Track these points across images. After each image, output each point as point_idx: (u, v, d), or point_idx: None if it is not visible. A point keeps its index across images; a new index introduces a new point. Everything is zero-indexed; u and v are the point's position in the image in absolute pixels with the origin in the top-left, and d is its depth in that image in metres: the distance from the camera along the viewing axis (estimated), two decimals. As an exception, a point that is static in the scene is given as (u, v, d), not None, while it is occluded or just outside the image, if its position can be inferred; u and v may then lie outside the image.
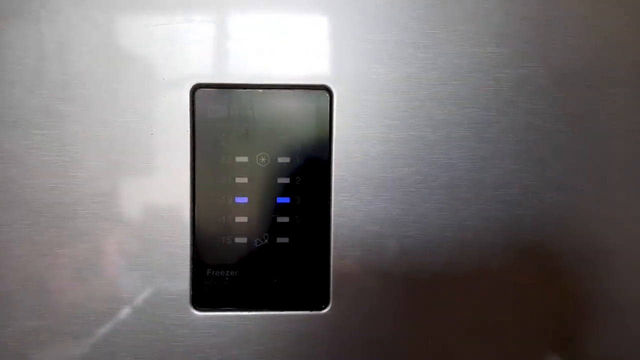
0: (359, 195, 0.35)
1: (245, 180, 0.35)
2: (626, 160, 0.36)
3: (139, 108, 0.34)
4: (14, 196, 0.33)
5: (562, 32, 0.35)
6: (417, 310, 0.36)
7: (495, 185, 0.36)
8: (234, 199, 0.35)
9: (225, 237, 0.35)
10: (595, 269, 0.36)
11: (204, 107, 0.34)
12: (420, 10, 0.35)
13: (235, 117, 0.34)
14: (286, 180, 0.35)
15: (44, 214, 0.34)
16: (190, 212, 0.34)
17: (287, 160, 0.35)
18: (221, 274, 0.35)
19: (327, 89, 0.35)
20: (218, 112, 0.34)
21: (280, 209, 0.35)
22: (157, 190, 0.34)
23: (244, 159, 0.35)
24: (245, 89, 0.34)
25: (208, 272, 0.35)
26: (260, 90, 0.34)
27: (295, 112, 0.35)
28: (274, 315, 0.35)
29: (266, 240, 0.35)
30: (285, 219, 0.35)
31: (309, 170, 0.35)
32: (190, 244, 0.34)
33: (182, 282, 0.35)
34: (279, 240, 0.35)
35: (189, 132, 0.34)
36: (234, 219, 0.35)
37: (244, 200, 0.35)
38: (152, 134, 0.34)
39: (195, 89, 0.34)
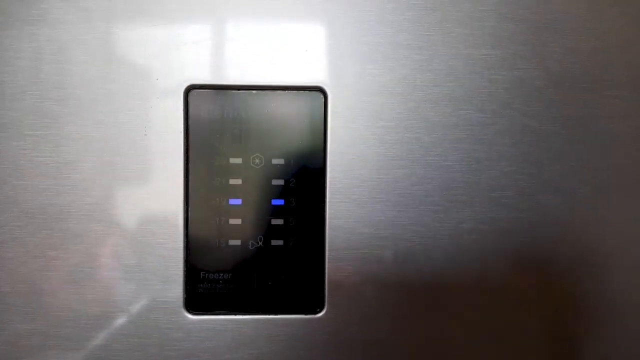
0: (354, 198, 0.35)
1: (239, 181, 0.35)
2: (623, 162, 0.36)
3: (133, 109, 0.33)
4: (6, 197, 0.33)
5: (558, 34, 0.35)
6: (414, 314, 0.35)
7: (491, 187, 0.35)
8: (227, 201, 0.35)
9: (219, 240, 0.35)
10: (593, 271, 0.36)
11: (197, 108, 0.34)
12: (415, 12, 0.35)
13: (230, 118, 0.34)
14: (281, 182, 0.35)
15: (36, 215, 0.33)
16: (184, 214, 0.34)
17: (281, 161, 0.35)
18: (215, 277, 0.35)
19: (321, 91, 0.34)
20: (212, 113, 0.34)
21: (274, 211, 0.35)
22: (150, 192, 0.34)
23: (238, 161, 0.35)
24: (239, 90, 0.34)
25: (202, 275, 0.35)
26: (254, 92, 0.34)
27: (290, 113, 0.35)
28: (268, 319, 0.35)
29: (260, 243, 0.35)
30: (280, 221, 0.35)
31: (303, 172, 0.35)
32: (184, 247, 0.34)
33: (175, 286, 0.34)
34: (274, 242, 0.35)
35: (182, 133, 0.34)
36: (228, 221, 0.35)
37: (238, 202, 0.35)
38: (145, 135, 0.34)
39: (189, 90, 0.34)
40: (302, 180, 0.35)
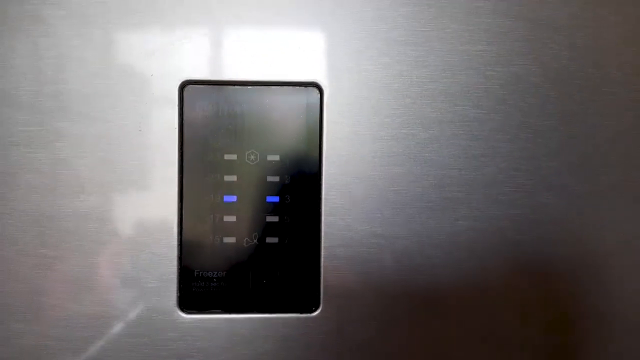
0: (349, 194, 0.34)
1: (234, 178, 0.34)
2: (619, 159, 0.36)
3: (127, 104, 0.33)
4: (-2, 194, 0.33)
5: (554, 31, 0.35)
6: (410, 312, 0.35)
7: (487, 184, 0.35)
8: (222, 198, 0.34)
9: (214, 237, 0.34)
10: (591, 270, 0.36)
11: (192, 103, 0.34)
12: (410, 8, 0.34)
13: (225, 114, 0.34)
14: (276, 179, 0.34)
15: (29, 213, 0.33)
16: (178, 211, 0.34)
17: (276, 158, 0.34)
18: (209, 275, 0.34)
19: (317, 86, 0.34)
20: (207, 109, 0.34)
21: (269, 208, 0.34)
22: (144, 188, 0.33)
23: (233, 157, 0.34)
24: (234, 85, 0.34)
25: (195, 273, 0.34)
26: (249, 87, 0.34)
27: (285, 109, 0.34)
28: (263, 318, 0.35)
29: (255, 240, 0.34)
30: (275, 219, 0.35)
31: (299, 169, 0.35)
32: (177, 244, 0.34)
33: (169, 284, 0.34)
34: (269, 240, 0.35)
35: (177, 129, 0.34)
36: (222, 218, 0.34)
37: (233, 198, 0.34)
38: (140, 131, 0.33)
39: (183, 85, 0.34)
40: (298, 177, 0.35)
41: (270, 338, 0.34)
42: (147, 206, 0.34)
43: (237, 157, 0.34)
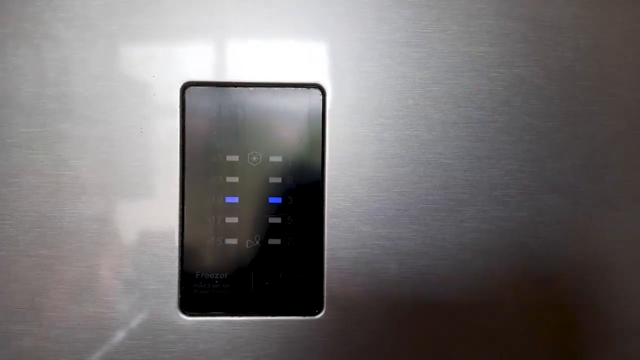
0: (353, 196, 0.34)
1: (236, 179, 0.34)
2: (623, 159, 0.35)
3: (129, 106, 0.33)
4: (-1, 195, 0.33)
5: (557, 32, 0.35)
6: (415, 315, 0.34)
7: (492, 185, 0.35)
8: (224, 199, 0.34)
9: (215, 239, 0.34)
10: (597, 271, 0.35)
11: (194, 105, 0.34)
12: (412, 10, 0.34)
13: (227, 115, 0.34)
14: (278, 180, 0.34)
15: (29, 213, 0.33)
16: (179, 212, 0.33)
17: (279, 159, 0.34)
18: (211, 277, 0.34)
19: (320, 88, 0.34)
20: (209, 110, 0.34)
21: (272, 210, 0.34)
22: (145, 189, 0.33)
23: (235, 158, 0.34)
24: (236, 87, 0.34)
25: (197, 275, 0.34)
26: (251, 89, 0.34)
27: (288, 110, 0.34)
28: (265, 320, 0.34)
29: (257, 242, 0.34)
30: (277, 220, 0.34)
31: (301, 170, 0.34)
32: (179, 246, 0.33)
33: (169, 286, 0.33)
34: (271, 241, 0.34)
35: (179, 130, 0.33)
36: (224, 220, 0.34)
37: (235, 200, 0.34)
38: (141, 132, 0.33)
39: (185, 87, 0.34)
40: (300, 178, 0.34)
41: (273, 341, 0.34)
42: (149, 208, 0.33)
43: (239, 158, 0.34)
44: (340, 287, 0.34)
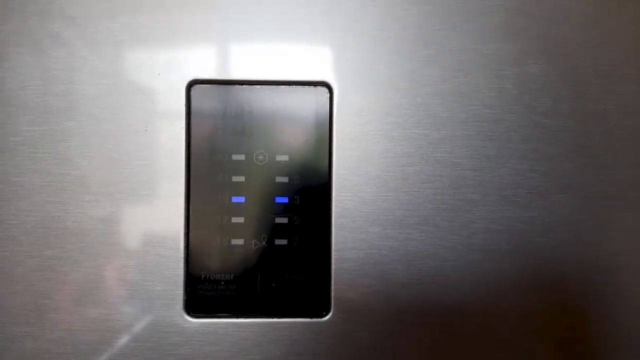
0: (360, 195, 0.34)
1: (242, 179, 0.34)
2: (636, 159, 0.35)
3: (133, 104, 0.33)
4: (2, 194, 0.32)
5: (567, 29, 0.35)
6: (423, 318, 0.34)
7: (502, 185, 0.34)
8: (230, 199, 0.33)
9: (221, 239, 0.33)
10: (608, 273, 0.35)
11: (200, 103, 0.33)
12: (421, 7, 0.34)
13: (233, 114, 0.34)
14: (285, 179, 0.34)
15: (33, 213, 0.32)
16: (185, 212, 0.33)
17: (285, 158, 0.34)
18: (216, 278, 0.33)
19: (327, 86, 0.34)
20: (215, 108, 0.33)
21: (278, 209, 0.34)
22: (150, 189, 0.33)
23: (241, 157, 0.34)
24: (242, 85, 0.34)
25: (203, 277, 0.33)
26: (258, 87, 0.34)
27: (295, 109, 0.34)
28: (271, 322, 0.34)
29: (264, 242, 0.34)
30: (284, 220, 0.34)
31: (308, 169, 0.34)
32: (184, 246, 0.33)
33: (175, 287, 0.33)
34: (277, 242, 0.34)
35: (184, 129, 0.33)
36: (230, 220, 0.33)
37: (241, 199, 0.34)
38: (146, 130, 0.33)
39: (191, 84, 0.33)
40: (307, 178, 0.34)
41: (279, 343, 0.33)
42: (154, 207, 0.33)
43: (245, 157, 0.34)
44: (347, 288, 0.34)
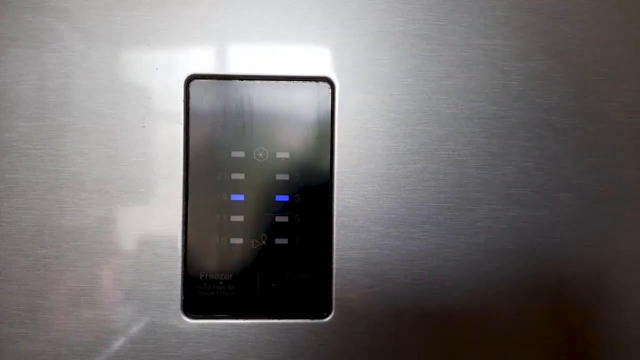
0: (362, 194, 0.33)
1: (241, 176, 0.33)
2: (645, 157, 0.34)
3: (131, 99, 0.32)
4: (-4, 191, 0.32)
5: (573, 25, 0.34)
6: (426, 318, 0.33)
7: (507, 184, 0.34)
8: (229, 197, 0.33)
9: (220, 238, 0.33)
10: (614, 272, 0.34)
11: (198, 98, 0.33)
12: (425, 1, 0.33)
13: (232, 109, 0.33)
14: (285, 177, 0.33)
15: (27, 211, 0.32)
16: (183, 211, 0.32)
17: (286, 155, 0.33)
18: (215, 278, 0.33)
19: (329, 81, 0.33)
20: (214, 104, 0.33)
21: (278, 208, 0.33)
22: (147, 186, 0.32)
23: (241, 154, 0.33)
24: (242, 80, 0.33)
25: (201, 276, 0.33)
26: (258, 82, 0.33)
27: (296, 105, 0.33)
28: (271, 323, 0.33)
29: (264, 241, 0.33)
30: (284, 219, 0.33)
31: (309, 167, 0.33)
32: (182, 245, 0.32)
33: (172, 287, 0.32)
34: (278, 241, 0.33)
35: (182, 125, 0.32)
36: (229, 218, 0.33)
37: (240, 197, 0.33)
38: (144, 126, 0.32)
39: (190, 79, 0.32)
40: (308, 175, 0.33)
41: (279, 345, 0.33)
42: (151, 205, 0.32)
43: (245, 154, 0.33)
44: (349, 289, 0.33)
